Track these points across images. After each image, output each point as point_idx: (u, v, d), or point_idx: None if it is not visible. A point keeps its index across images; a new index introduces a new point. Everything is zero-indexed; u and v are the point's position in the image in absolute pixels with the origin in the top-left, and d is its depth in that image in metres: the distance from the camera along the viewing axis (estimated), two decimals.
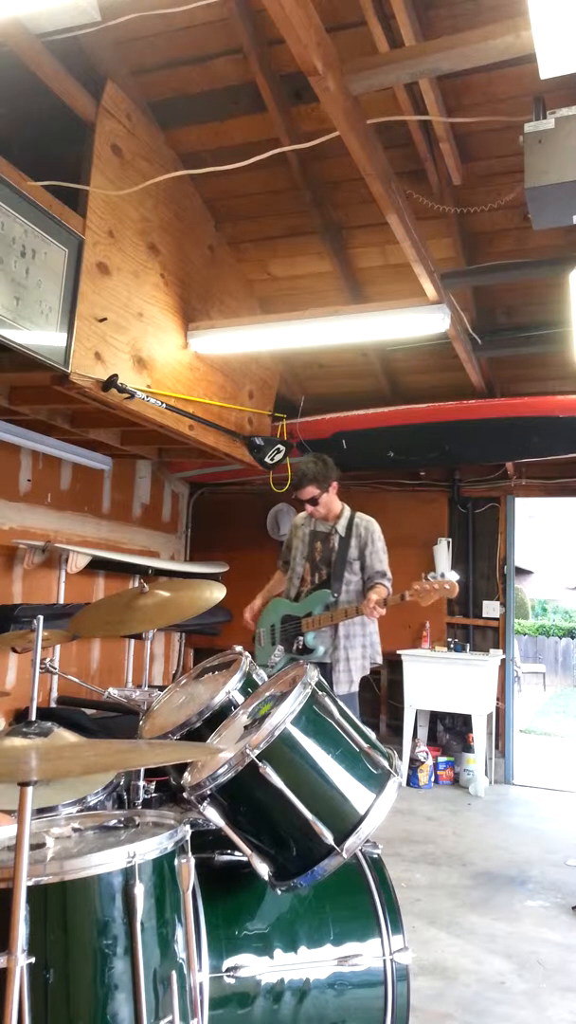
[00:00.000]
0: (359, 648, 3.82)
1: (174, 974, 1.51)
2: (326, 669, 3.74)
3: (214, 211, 4.77)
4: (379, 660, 3.96)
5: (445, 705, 5.99)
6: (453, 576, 3.60)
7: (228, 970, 1.74)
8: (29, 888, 1.33)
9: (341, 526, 3.88)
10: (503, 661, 6.19)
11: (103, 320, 3.85)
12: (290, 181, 4.38)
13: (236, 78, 3.92)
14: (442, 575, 3.55)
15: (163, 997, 1.48)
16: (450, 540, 6.38)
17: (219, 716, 2.09)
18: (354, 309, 4.42)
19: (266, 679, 2.26)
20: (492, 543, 6.41)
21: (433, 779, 5.90)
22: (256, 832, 1.78)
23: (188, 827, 1.62)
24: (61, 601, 5.49)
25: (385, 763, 1.83)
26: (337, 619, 3.72)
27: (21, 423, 4.84)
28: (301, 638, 3.80)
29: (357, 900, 1.94)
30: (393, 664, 6.40)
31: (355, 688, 3.82)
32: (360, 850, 1.97)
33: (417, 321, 4.17)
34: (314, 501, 3.84)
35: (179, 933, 1.56)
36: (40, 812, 1.87)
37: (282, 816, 1.72)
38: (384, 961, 1.88)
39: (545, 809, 5.43)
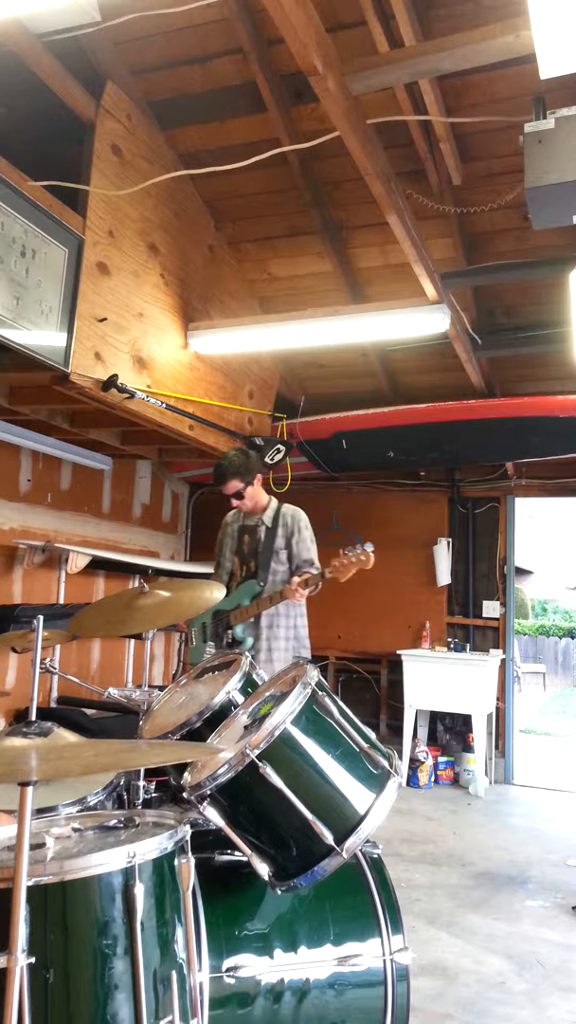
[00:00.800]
0: (282, 640, 3.76)
1: (174, 974, 1.51)
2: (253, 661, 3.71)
3: (214, 211, 4.77)
4: (306, 655, 3.88)
5: (445, 705, 5.99)
6: (369, 546, 3.45)
7: (228, 970, 1.74)
8: (29, 888, 1.33)
9: (267, 517, 3.84)
10: (503, 661, 6.19)
11: (103, 320, 3.85)
12: (290, 181, 4.38)
13: (236, 78, 3.92)
14: (359, 544, 3.38)
15: (163, 997, 1.48)
16: (450, 540, 6.39)
17: (219, 716, 2.09)
18: (354, 309, 4.42)
19: (266, 679, 2.26)
20: (492, 543, 6.41)
21: (433, 779, 5.90)
22: (256, 832, 1.78)
23: (188, 827, 1.62)
24: (61, 601, 5.49)
25: (385, 763, 1.83)
26: (262, 607, 3.67)
27: (21, 423, 4.84)
28: (230, 631, 3.74)
29: (357, 900, 1.94)
30: (393, 664, 6.41)
31: None
32: (360, 850, 1.97)
33: (417, 321, 4.17)
34: (239, 495, 3.78)
35: (179, 933, 1.56)
36: (40, 812, 1.87)
37: (282, 816, 1.72)
38: (384, 961, 1.88)
39: (545, 809, 5.43)
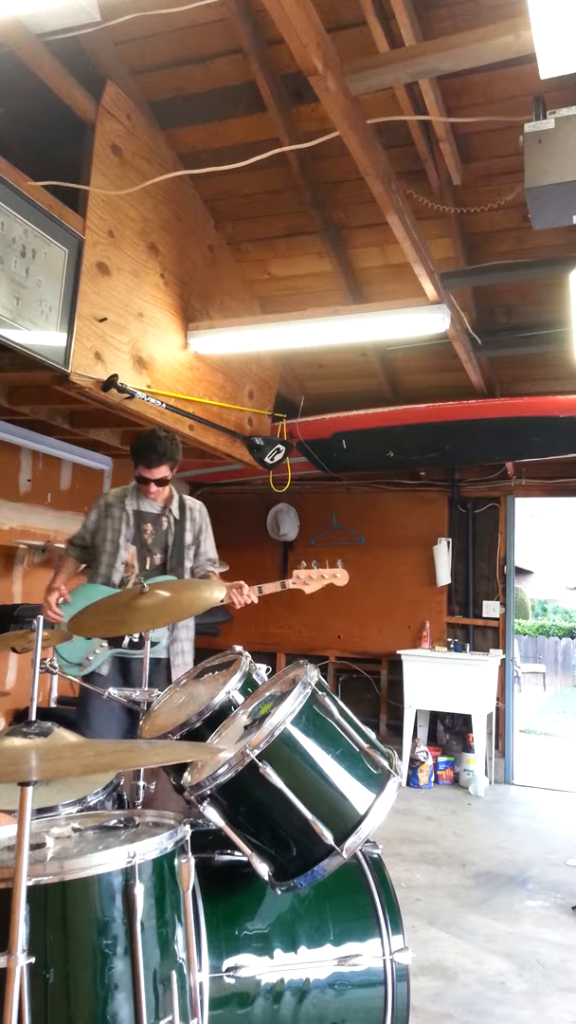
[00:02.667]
0: (187, 642, 3.53)
1: (174, 974, 1.51)
2: (161, 664, 3.40)
3: (214, 211, 4.77)
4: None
5: (445, 705, 5.99)
6: (343, 571, 3.38)
7: (228, 970, 1.74)
8: (29, 888, 1.33)
9: (174, 508, 3.56)
10: (503, 661, 6.19)
11: (103, 320, 3.85)
12: (290, 181, 4.38)
13: (236, 78, 3.92)
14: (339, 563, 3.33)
15: (163, 997, 1.48)
16: (450, 540, 6.39)
17: (219, 716, 2.09)
18: (354, 309, 4.42)
19: (266, 679, 2.25)
20: (492, 543, 6.42)
21: (433, 779, 5.90)
22: (256, 832, 1.78)
23: (188, 827, 1.62)
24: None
25: (385, 763, 1.83)
26: None
27: (21, 423, 4.84)
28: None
29: (357, 900, 1.94)
30: (393, 664, 6.41)
31: None
32: (360, 850, 1.97)
33: (417, 321, 4.17)
34: (163, 482, 3.49)
35: (179, 933, 1.56)
36: (40, 812, 1.86)
37: (282, 816, 1.72)
38: (384, 961, 1.88)
39: (545, 809, 5.43)
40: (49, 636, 2.83)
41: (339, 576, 3.36)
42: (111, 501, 3.57)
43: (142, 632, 3.04)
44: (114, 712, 3.24)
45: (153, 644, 3.34)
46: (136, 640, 3.33)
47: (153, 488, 3.50)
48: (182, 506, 3.61)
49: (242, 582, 3.18)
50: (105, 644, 3.36)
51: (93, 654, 3.36)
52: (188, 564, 3.54)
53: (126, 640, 3.34)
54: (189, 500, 3.67)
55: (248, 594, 3.20)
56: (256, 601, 3.24)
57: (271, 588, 3.32)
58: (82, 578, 3.62)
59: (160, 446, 3.42)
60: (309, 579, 3.36)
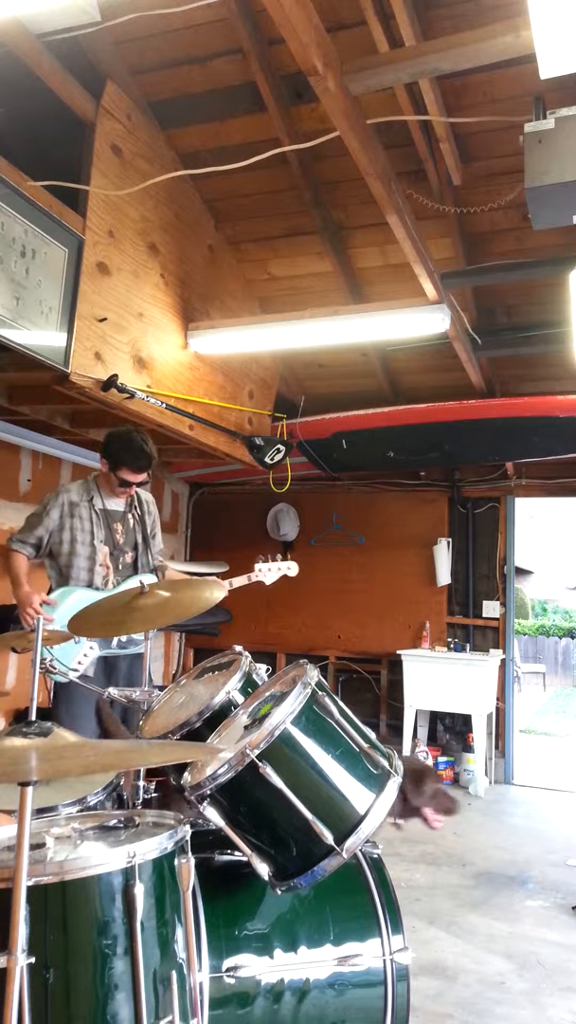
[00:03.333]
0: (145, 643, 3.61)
1: (174, 974, 1.51)
2: (139, 660, 3.29)
3: (214, 211, 4.77)
4: None
5: (445, 705, 5.99)
6: (294, 563, 3.61)
7: (228, 970, 1.74)
8: (29, 888, 1.33)
9: (136, 505, 3.54)
10: (503, 661, 6.19)
11: (103, 320, 3.85)
12: (290, 181, 4.38)
13: (236, 78, 3.92)
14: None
15: (163, 997, 1.48)
16: (450, 540, 6.39)
17: (219, 716, 2.09)
18: (354, 309, 4.42)
19: (266, 679, 2.26)
20: (492, 543, 6.42)
21: None
22: (256, 832, 1.78)
23: (188, 827, 1.62)
24: None
25: (385, 763, 1.83)
26: None
27: (21, 423, 4.84)
28: None
29: (357, 900, 1.94)
30: (393, 664, 6.41)
31: None
32: (360, 850, 1.97)
33: (417, 321, 4.17)
34: (142, 484, 3.46)
35: (179, 933, 1.56)
36: (40, 812, 1.86)
37: (282, 816, 1.72)
38: (384, 961, 1.88)
39: (545, 809, 5.43)
40: (49, 636, 2.83)
41: (291, 568, 3.57)
42: (75, 500, 3.43)
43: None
44: (91, 711, 3.21)
45: (135, 642, 3.41)
46: (124, 640, 3.37)
47: (127, 491, 3.45)
48: (140, 501, 3.56)
49: (216, 579, 3.16)
50: (95, 646, 3.35)
51: (84, 656, 3.36)
52: (150, 559, 3.56)
53: (115, 640, 3.35)
54: (143, 494, 3.62)
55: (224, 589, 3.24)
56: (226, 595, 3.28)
57: (240, 582, 3.38)
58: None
59: (147, 449, 3.35)
60: (268, 571, 3.50)
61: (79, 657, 3.34)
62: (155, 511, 3.67)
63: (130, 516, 3.54)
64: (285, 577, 3.61)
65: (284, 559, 3.58)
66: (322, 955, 1.84)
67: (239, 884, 1.89)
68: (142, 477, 3.40)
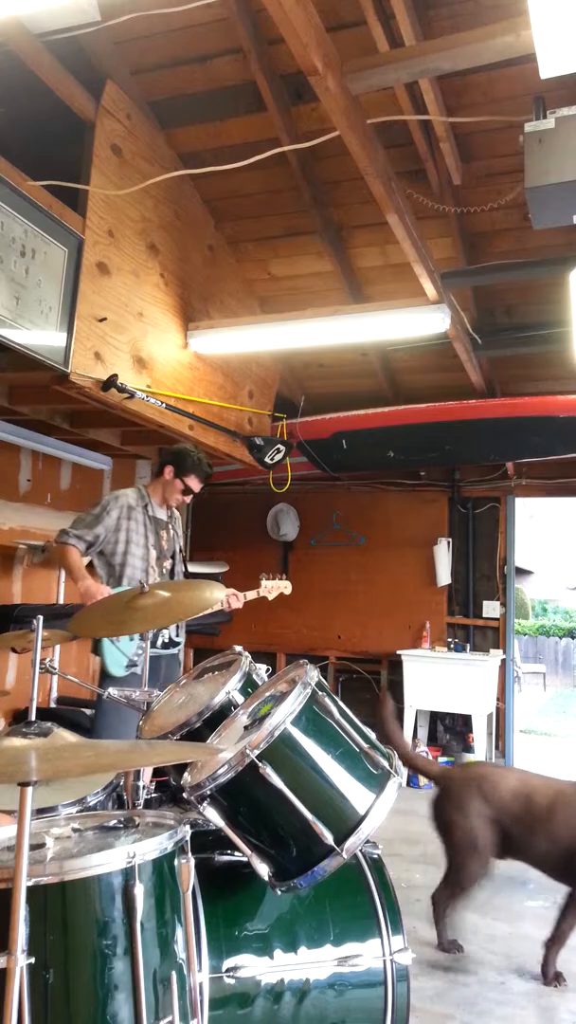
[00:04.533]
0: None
1: (174, 974, 1.51)
2: (175, 661, 3.70)
3: (214, 211, 4.77)
4: None
5: (445, 705, 5.99)
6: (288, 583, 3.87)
7: (228, 970, 1.74)
8: (29, 888, 1.33)
9: (171, 516, 3.81)
10: (503, 661, 6.19)
11: (103, 320, 3.85)
12: (290, 181, 4.38)
13: (236, 78, 3.92)
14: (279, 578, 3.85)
15: (163, 997, 1.48)
16: (450, 540, 6.39)
17: (219, 716, 2.09)
18: (354, 309, 4.42)
19: (266, 679, 2.26)
20: (492, 543, 6.41)
21: None
22: (256, 832, 1.77)
23: (188, 827, 1.62)
24: (61, 601, 5.49)
25: (385, 763, 1.83)
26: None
27: (21, 423, 4.84)
28: (167, 631, 3.58)
29: (357, 900, 1.94)
30: (393, 664, 6.41)
31: None
32: (360, 850, 1.97)
33: (417, 321, 4.17)
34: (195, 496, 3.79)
35: (179, 933, 1.56)
36: (40, 812, 1.86)
37: (282, 816, 1.72)
38: (384, 961, 1.88)
39: None
40: (49, 636, 2.83)
41: (287, 588, 3.82)
42: (132, 504, 3.64)
43: (172, 634, 3.59)
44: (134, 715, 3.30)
45: (176, 644, 3.67)
46: (167, 640, 3.60)
47: (184, 499, 3.75)
48: (173, 514, 3.82)
49: (233, 590, 3.47)
50: (143, 646, 3.43)
51: (137, 655, 3.47)
52: None
53: (159, 641, 3.56)
54: (175, 509, 3.89)
55: (240, 601, 3.50)
56: (241, 607, 3.55)
57: (251, 595, 3.64)
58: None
59: (207, 463, 3.73)
60: (271, 589, 3.76)
61: (134, 654, 3.47)
62: (178, 521, 3.89)
63: (170, 526, 3.78)
64: (275, 579, 3.83)
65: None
66: (322, 955, 1.84)
67: (239, 884, 1.89)
68: (200, 487, 3.73)
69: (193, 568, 6.42)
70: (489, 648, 6.25)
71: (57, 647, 5.44)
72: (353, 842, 1.71)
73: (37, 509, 5.36)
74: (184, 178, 4.35)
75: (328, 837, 1.70)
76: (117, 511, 3.59)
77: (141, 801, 2.12)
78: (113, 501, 3.62)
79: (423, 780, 5.83)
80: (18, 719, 4.98)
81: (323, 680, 1.90)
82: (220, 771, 1.71)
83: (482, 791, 3.00)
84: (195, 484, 3.70)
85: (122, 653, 3.42)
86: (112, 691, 2.57)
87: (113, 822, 1.71)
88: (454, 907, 3.04)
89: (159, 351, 4.33)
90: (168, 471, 3.69)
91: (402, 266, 4.14)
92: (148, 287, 4.22)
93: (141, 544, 3.61)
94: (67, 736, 2.36)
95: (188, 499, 3.74)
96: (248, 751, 1.69)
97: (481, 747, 5.74)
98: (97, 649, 3.48)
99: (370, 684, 6.64)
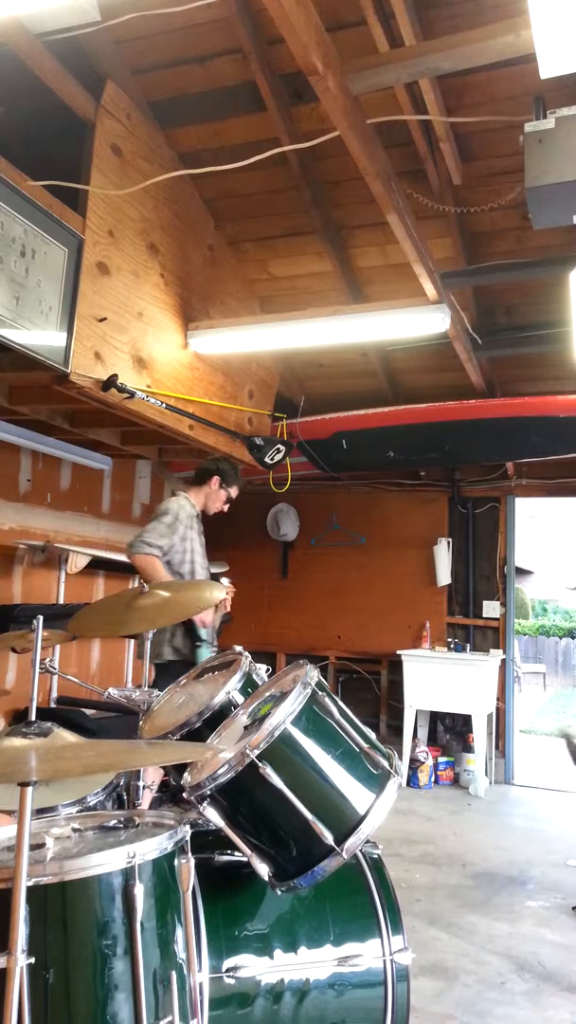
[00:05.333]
0: None
1: (174, 974, 1.51)
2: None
3: (214, 211, 4.76)
4: None
5: (445, 705, 5.99)
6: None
7: (228, 970, 1.74)
8: (29, 888, 1.33)
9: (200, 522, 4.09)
10: (503, 661, 6.19)
11: (103, 320, 3.85)
12: (290, 181, 4.38)
13: (236, 78, 3.92)
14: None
15: (163, 997, 1.48)
16: (450, 540, 6.39)
17: (219, 716, 2.09)
18: (354, 309, 4.42)
19: (266, 679, 2.26)
20: (492, 543, 6.41)
21: (433, 779, 5.90)
22: (256, 832, 1.77)
23: (188, 827, 1.62)
24: (61, 601, 5.49)
25: (385, 763, 1.83)
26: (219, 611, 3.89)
27: (21, 423, 4.84)
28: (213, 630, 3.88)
29: (357, 900, 1.94)
30: (393, 664, 6.41)
31: None
32: (360, 850, 1.97)
33: (417, 321, 4.16)
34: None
35: (179, 933, 1.56)
36: (40, 812, 1.86)
37: (282, 816, 1.72)
38: (384, 961, 1.88)
39: (545, 809, 5.43)
40: (49, 636, 2.83)
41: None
42: (191, 512, 3.95)
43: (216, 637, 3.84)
44: None
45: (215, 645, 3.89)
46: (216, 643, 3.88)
47: (223, 509, 4.12)
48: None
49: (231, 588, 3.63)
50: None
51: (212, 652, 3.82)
52: None
53: (215, 643, 3.86)
54: None
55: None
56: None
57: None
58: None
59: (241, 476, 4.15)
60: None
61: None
62: None
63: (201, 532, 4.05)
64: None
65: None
66: (322, 955, 1.84)
67: (239, 884, 1.89)
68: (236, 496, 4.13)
69: None
70: (489, 648, 6.25)
71: (57, 647, 5.44)
72: (353, 842, 1.71)
73: (37, 509, 5.36)
74: (184, 178, 4.35)
75: (328, 837, 1.70)
76: (186, 521, 3.87)
77: (141, 801, 2.12)
78: (179, 511, 3.86)
79: (423, 780, 5.84)
80: (18, 719, 4.98)
81: (323, 680, 1.90)
82: (220, 771, 1.71)
83: None
84: (235, 494, 4.09)
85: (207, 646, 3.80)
86: (112, 691, 2.57)
87: (113, 822, 1.71)
88: None
89: (159, 351, 4.33)
90: (215, 481, 4.02)
91: (402, 266, 4.14)
92: (148, 287, 4.22)
93: (200, 552, 3.94)
94: (67, 736, 2.37)
95: (227, 508, 4.07)
96: (248, 751, 1.69)
97: (481, 747, 5.74)
98: (195, 658, 3.71)
99: (370, 684, 6.64)
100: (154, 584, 2.54)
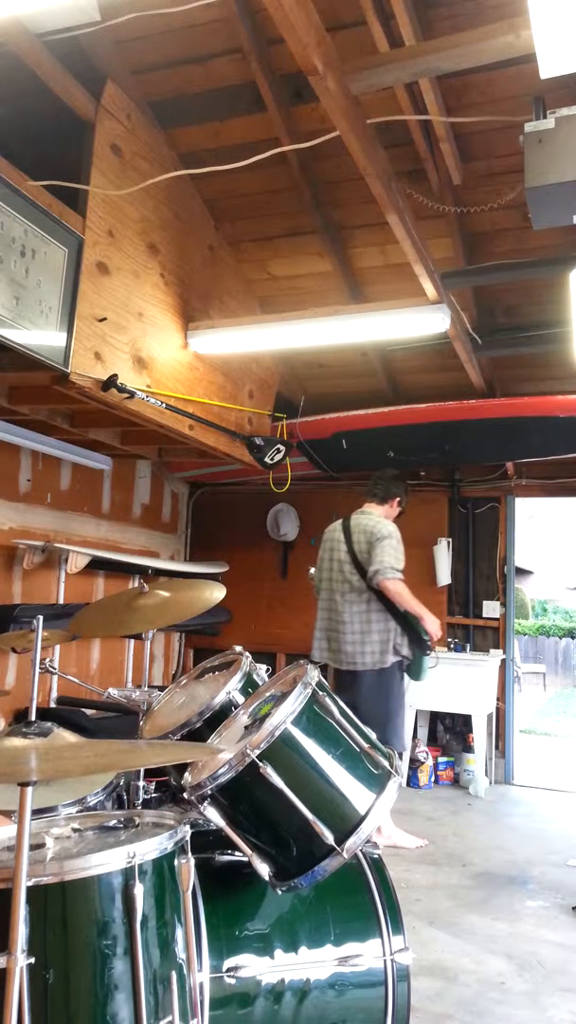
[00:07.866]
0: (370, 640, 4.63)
1: (174, 974, 1.51)
2: None
3: (214, 211, 4.76)
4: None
5: (445, 705, 5.99)
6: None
7: (228, 970, 1.74)
8: (29, 888, 1.33)
9: None
10: (503, 661, 6.19)
11: (103, 320, 3.85)
12: (290, 181, 4.38)
13: (236, 78, 3.92)
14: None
15: (163, 997, 1.48)
16: (450, 540, 6.38)
17: (219, 716, 2.09)
18: (354, 309, 4.41)
19: (266, 679, 2.26)
20: (492, 543, 6.41)
21: (433, 779, 5.90)
22: (256, 832, 1.78)
23: (188, 827, 1.62)
24: (61, 601, 5.49)
25: (385, 763, 1.83)
26: None
27: (21, 423, 4.84)
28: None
29: (357, 900, 1.94)
30: None
31: None
32: (360, 850, 1.97)
33: (417, 321, 4.16)
34: None
35: (179, 933, 1.56)
36: (40, 812, 1.86)
37: (283, 816, 1.72)
38: (385, 961, 1.88)
39: (545, 809, 5.43)
40: (49, 636, 2.83)
41: None
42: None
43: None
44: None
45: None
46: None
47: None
48: None
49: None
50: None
51: (431, 666, 4.53)
52: None
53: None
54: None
55: None
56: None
57: None
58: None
59: None
60: None
61: (431, 663, 4.51)
62: None
63: None
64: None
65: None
66: (323, 955, 1.84)
67: (239, 884, 1.89)
68: None
69: (191, 568, 6.44)
70: (489, 648, 6.25)
71: (57, 647, 5.44)
72: (354, 842, 1.72)
73: (37, 509, 5.36)
74: (184, 178, 4.35)
75: (329, 837, 1.70)
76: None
77: (140, 801, 2.12)
78: (396, 531, 4.55)
79: (423, 780, 5.84)
80: (18, 719, 4.98)
81: (323, 680, 1.90)
82: (221, 771, 1.71)
83: None
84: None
85: (427, 667, 4.47)
86: (112, 691, 2.58)
87: (113, 822, 1.71)
88: None
89: (159, 351, 4.33)
90: (396, 502, 4.78)
91: (402, 266, 4.14)
92: (148, 287, 4.22)
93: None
94: (67, 736, 2.37)
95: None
96: (249, 751, 1.69)
97: (481, 747, 5.74)
98: (421, 664, 4.40)
99: None
100: (153, 584, 2.54)
